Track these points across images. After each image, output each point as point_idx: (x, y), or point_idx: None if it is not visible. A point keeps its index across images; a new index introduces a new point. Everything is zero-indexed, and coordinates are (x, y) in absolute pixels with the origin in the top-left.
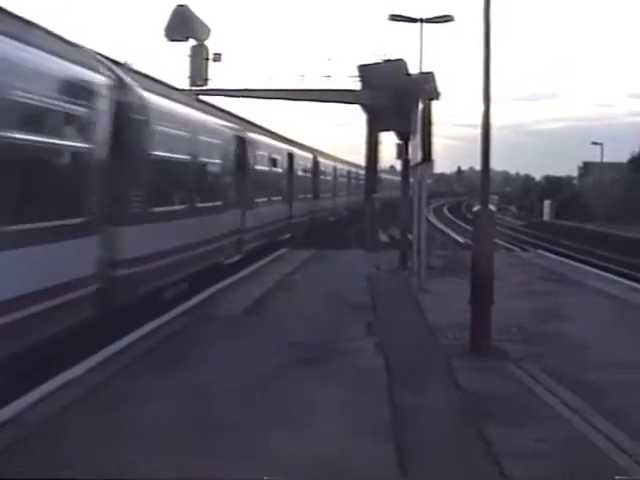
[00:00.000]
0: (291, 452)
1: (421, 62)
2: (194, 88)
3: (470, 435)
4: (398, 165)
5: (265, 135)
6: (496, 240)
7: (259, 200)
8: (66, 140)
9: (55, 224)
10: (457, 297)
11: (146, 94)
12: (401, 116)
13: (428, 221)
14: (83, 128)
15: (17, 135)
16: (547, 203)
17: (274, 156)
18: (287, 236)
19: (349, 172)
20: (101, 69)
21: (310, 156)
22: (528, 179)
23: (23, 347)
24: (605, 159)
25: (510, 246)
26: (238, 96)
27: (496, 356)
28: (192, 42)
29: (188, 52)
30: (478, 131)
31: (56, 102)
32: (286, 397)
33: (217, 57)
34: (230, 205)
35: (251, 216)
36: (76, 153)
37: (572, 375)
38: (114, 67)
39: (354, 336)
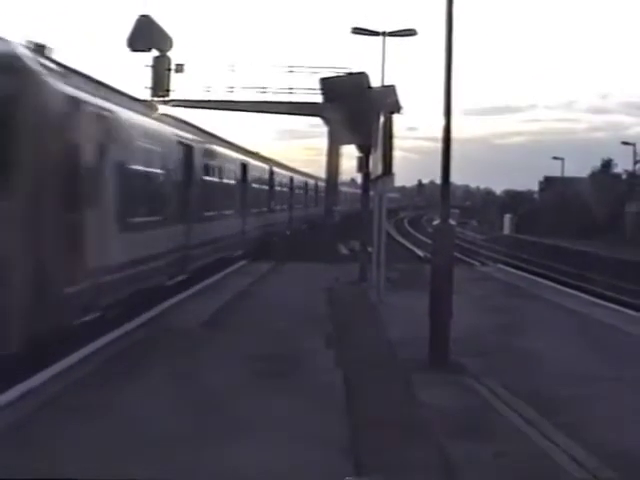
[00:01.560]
0: (250, 465)
1: (383, 75)
2: (155, 99)
3: (429, 448)
4: (359, 178)
5: (217, 144)
6: (456, 254)
7: (208, 214)
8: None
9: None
10: (416, 310)
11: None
12: (362, 129)
13: (388, 234)
14: None
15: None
16: (507, 217)
17: (227, 166)
18: (240, 252)
19: (306, 184)
20: None
21: (266, 167)
22: (489, 193)
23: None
24: (566, 174)
25: (470, 260)
26: (200, 107)
27: (455, 370)
28: (154, 53)
29: (150, 62)
30: (439, 145)
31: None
32: (242, 410)
33: (179, 68)
34: (172, 219)
35: (198, 231)
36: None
37: (530, 389)
38: None
39: (313, 349)
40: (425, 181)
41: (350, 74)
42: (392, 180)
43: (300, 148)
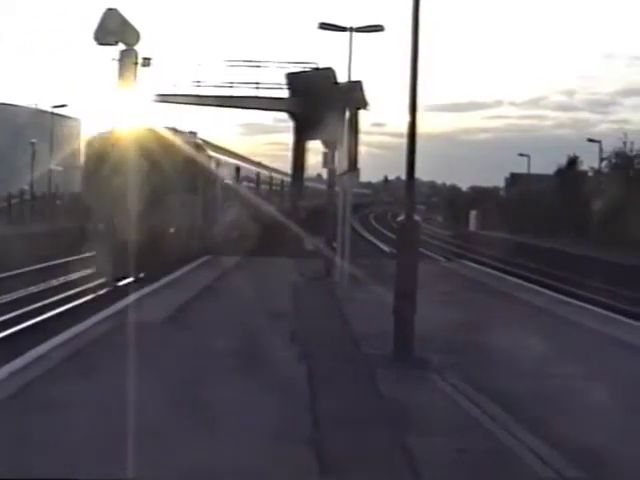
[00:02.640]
0: (212, 459)
1: (350, 71)
2: (126, 93)
3: (392, 444)
4: (325, 173)
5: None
6: (421, 250)
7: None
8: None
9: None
10: (381, 306)
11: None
12: (328, 124)
13: (354, 230)
14: None
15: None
16: (473, 213)
17: (244, 173)
18: None
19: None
20: None
21: (255, 169)
22: (455, 189)
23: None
24: (532, 170)
25: (435, 256)
26: (166, 102)
27: (419, 365)
28: (121, 46)
29: (117, 56)
30: (405, 141)
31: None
32: (206, 405)
33: (146, 62)
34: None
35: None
36: None
37: (494, 385)
38: None
39: (277, 344)
40: (391, 177)
41: (317, 69)
42: (357, 176)
43: (266, 143)
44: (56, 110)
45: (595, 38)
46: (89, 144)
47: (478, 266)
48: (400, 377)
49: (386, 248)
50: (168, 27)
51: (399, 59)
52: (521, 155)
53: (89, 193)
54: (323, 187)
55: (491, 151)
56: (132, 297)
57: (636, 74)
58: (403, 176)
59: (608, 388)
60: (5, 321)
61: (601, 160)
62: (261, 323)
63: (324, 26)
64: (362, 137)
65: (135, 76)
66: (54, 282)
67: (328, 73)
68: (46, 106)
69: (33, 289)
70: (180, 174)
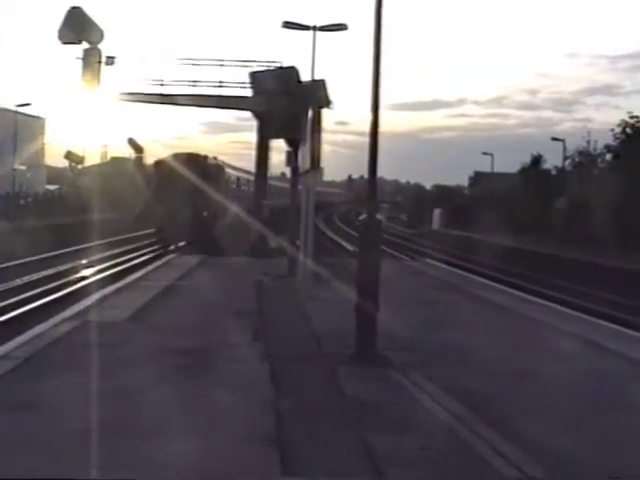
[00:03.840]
0: (173, 458)
1: (313, 70)
2: (89, 92)
3: (354, 442)
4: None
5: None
6: (385, 249)
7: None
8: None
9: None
10: (344, 304)
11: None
12: (291, 123)
13: (318, 228)
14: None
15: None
16: (437, 212)
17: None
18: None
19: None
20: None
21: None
22: (419, 188)
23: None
24: (496, 169)
25: (399, 255)
26: (130, 100)
27: (381, 364)
28: (85, 45)
29: (81, 55)
30: (368, 139)
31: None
32: (169, 403)
33: (110, 60)
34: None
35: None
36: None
37: (457, 383)
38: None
39: (240, 342)
40: (355, 176)
41: (280, 68)
42: (320, 174)
43: (229, 142)
44: (20, 109)
45: (558, 37)
46: (157, 162)
47: (442, 265)
48: (362, 375)
49: (350, 247)
50: (132, 26)
51: (362, 58)
52: (485, 154)
53: (157, 196)
54: (287, 186)
55: (455, 150)
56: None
57: (599, 73)
58: (367, 175)
59: (572, 386)
60: None
61: (565, 159)
62: (224, 321)
63: (288, 25)
64: (326, 136)
65: (99, 75)
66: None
67: (291, 72)
68: (10, 105)
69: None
70: (210, 182)
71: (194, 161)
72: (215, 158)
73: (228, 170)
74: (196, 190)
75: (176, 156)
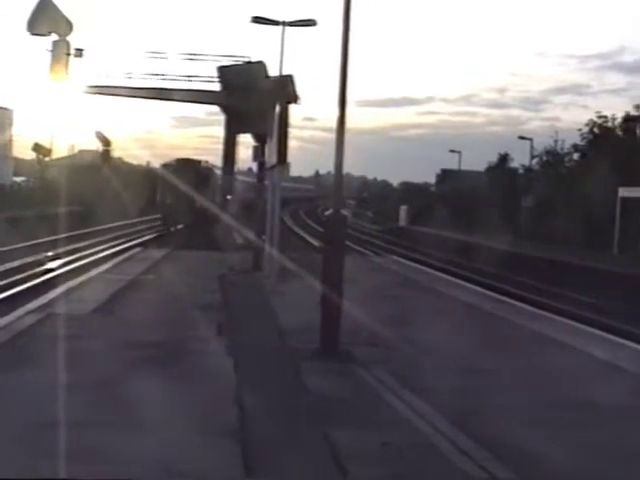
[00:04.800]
0: (136, 452)
1: (281, 65)
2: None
3: (316, 437)
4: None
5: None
6: (351, 245)
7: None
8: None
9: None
10: (309, 299)
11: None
12: (258, 118)
13: (284, 223)
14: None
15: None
16: (403, 209)
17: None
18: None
19: None
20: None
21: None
22: (386, 185)
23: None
24: (463, 167)
25: (365, 251)
26: (98, 93)
27: (345, 359)
28: (54, 37)
29: (49, 47)
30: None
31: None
32: (131, 397)
33: (78, 53)
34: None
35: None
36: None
37: (420, 379)
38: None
39: (204, 337)
40: (322, 171)
41: (248, 63)
42: (287, 169)
43: (198, 136)
44: None
45: (528, 36)
46: (163, 165)
47: (407, 261)
48: (325, 370)
49: (315, 242)
50: (101, 18)
51: (331, 54)
52: (452, 151)
53: (162, 191)
54: (254, 181)
55: (423, 147)
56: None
57: (568, 72)
58: (334, 170)
59: (533, 382)
60: None
61: (532, 158)
62: (188, 316)
63: (257, 20)
64: (294, 131)
65: (67, 67)
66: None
67: (259, 67)
68: None
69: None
70: (202, 180)
71: (190, 164)
72: (207, 162)
73: (217, 171)
74: (191, 187)
75: (177, 160)
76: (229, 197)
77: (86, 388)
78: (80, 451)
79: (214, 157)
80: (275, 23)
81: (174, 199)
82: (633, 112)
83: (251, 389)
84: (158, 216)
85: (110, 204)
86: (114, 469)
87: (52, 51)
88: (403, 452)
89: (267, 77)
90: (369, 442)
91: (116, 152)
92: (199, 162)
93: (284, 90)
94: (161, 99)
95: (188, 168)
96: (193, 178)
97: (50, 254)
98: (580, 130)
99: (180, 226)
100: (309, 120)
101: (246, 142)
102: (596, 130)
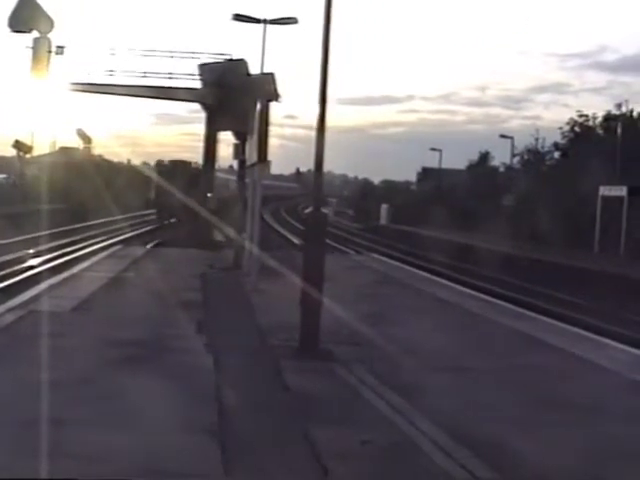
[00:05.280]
0: (115, 449)
1: (262, 63)
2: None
3: (295, 436)
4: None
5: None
6: (332, 243)
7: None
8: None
9: None
10: (289, 298)
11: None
12: (239, 116)
13: (264, 221)
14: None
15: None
16: (384, 207)
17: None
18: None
19: None
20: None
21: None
22: (367, 183)
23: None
24: (444, 165)
25: (346, 249)
26: (80, 91)
27: (325, 358)
28: (35, 34)
29: (30, 44)
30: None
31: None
32: (111, 394)
33: (59, 50)
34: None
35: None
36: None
37: (399, 378)
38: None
39: (184, 334)
40: (303, 169)
41: (229, 61)
42: (268, 167)
43: (179, 133)
44: None
45: (508, 34)
46: (158, 163)
47: (388, 259)
48: (305, 369)
49: (296, 240)
50: (82, 15)
51: (312, 52)
52: (433, 150)
53: (158, 187)
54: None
55: (404, 145)
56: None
57: (549, 71)
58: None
59: (513, 381)
60: None
61: (513, 156)
62: (168, 313)
63: (238, 18)
64: (275, 129)
65: (48, 64)
66: None
67: (240, 65)
68: None
69: None
70: (191, 178)
71: (182, 165)
72: (197, 163)
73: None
74: (183, 186)
75: (171, 162)
76: (209, 195)
77: (65, 386)
78: (57, 449)
79: (195, 155)
80: (256, 21)
81: (167, 197)
82: (614, 111)
83: (231, 387)
84: (147, 212)
85: (94, 202)
86: (95, 465)
87: (33, 48)
88: (383, 449)
89: (248, 75)
90: (349, 441)
91: (97, 149)
92: (190, 163)
93: (265, 88)
94: (142, 96)
95: (180, 169)
96: (184, 178)
97: (31, 251)
98: (561, 129)
99: (172, 220)
100: (290, 118)
101: (227, 140)
102: (577, 129)
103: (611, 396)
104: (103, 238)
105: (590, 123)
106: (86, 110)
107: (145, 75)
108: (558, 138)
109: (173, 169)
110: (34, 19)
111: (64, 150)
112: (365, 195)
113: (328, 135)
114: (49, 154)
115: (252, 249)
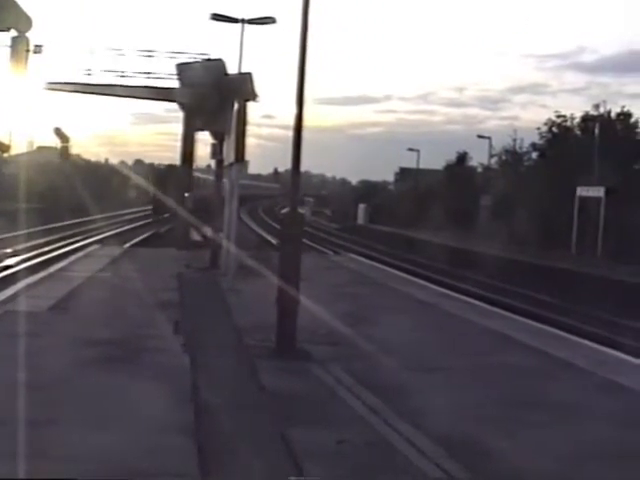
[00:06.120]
0: (92, 449)
1: (240, 63)
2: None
3: (272, 435)
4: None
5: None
6: (309, 243)
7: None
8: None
9: None
10: (266, 298)
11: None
12: (217, 116)
13: (242, 221)
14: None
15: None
16: (362, 207)
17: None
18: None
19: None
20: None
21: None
22: (344, 183)
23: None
24: (421, 165)
25: (323, 249)
26: (57, 90)
27: (301, 357)
28: (13, 32)
29: (8, 42)
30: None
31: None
32: (88, 394)
33: (38, 49)
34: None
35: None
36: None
37: (375, 378)
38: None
39: (161, 334)
40: (281, 169)
41: (207, 60)
42: (245, 167)
43: (156, 133)
44: None
45: (486, 35)
46: (153, 167)
47: (364, 259)
48: (282, 368)
49: (273, 240)
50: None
51: (290, 51)
52: (411, 150)
53: (154, 190)
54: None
55: (381, 145)
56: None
57: (527, 71)
58: None
59: (487, 380)
60: None
61: (491, 156)
62: (145, 313)
63: (216, 17)
64: (253, 129)
65: (26, 63)
66: None
67: (218, 64)
68: None
69: None
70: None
71: (176, 169)
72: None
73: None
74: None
75: (167, 166)
76: (187, 194)
77: (40, 386)
78: (30, 449)
79: (173, 154)
80: (234, 21)
81: (161, 195)
82: (592, 112)
83: (207, 387)
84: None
85: (71, 201)
86: (71, 466)
87: (11, 47)
88: (358, 449)
89: (226, 74)
90: (325, 440)
91: (75, 149)
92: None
93: (243, 88)
94: (120, 96)
95: (173, 172)
96: (176, 180)
97: (8, 251)
98: (539, 129)
99: (166, 215)
100: (268, 118)
101: (205, 139)
102: (555, 129)
103: (586, 396)
104: (80, 238)
105: (568, 124)
106: (64, 109)
107: (123, 75)
108: (536, 139)
109: (167, 172)
110: (12, 18)
111: (42, 149)
112: (343, 195)
113: (306, 135)
114: (27, 153)
115: (229, 249)
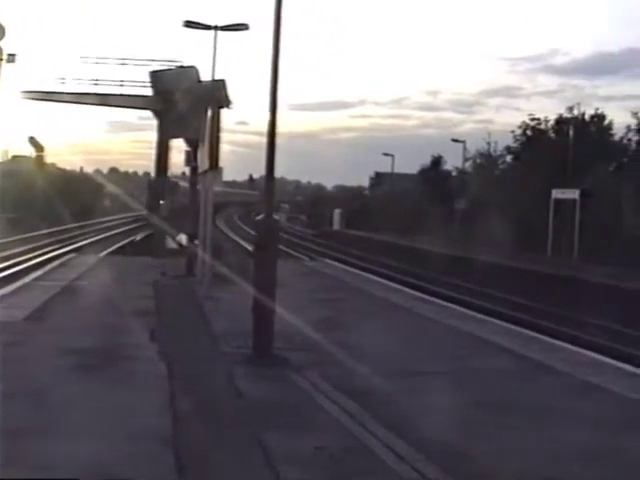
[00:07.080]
0: (69, 458)
1: (214, 70)
2: None
3: (249, 442)
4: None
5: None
6: (285, 249)
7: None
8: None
9: None
10: (242, 305)
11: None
12: (190, 123)
13: (217, 228)
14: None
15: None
16: (337, 212)
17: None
18: None
19: None
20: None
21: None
22: (320, 188)
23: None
24: (396, 170)
25: (299, 255)
26: (31, 99)
27: (278, 364)
28: None
29: None
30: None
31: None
32: (65, 402)
33: (11, 58)
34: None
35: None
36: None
37: (353, 383)
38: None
39: (137, 342)
40: (256, 176)
41: (180, 68)
42: (220, 174)
43: (131, 141)
44: None
45: (459, 39)
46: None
47: (340, 265)
48: (259, 375)
49: (250, 247)
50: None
51: (263, 58)
52: (385, 154)
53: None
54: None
55: (356, 150)
56: None
57: (500, 75)
58: None
59: (464, 384)
60: None
61: (465, 160)
62: (121, 322)
63: (189, 24)
64: (226, 136)
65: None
66: None
67: (191, 71)
68: None
69: None
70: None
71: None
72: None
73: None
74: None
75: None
76: (162, 202)
77: (16, 395)
78: (6, 458)
79: (147, 162)
80: (207, 27)
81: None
82: (565, 114)
83: (184, 395)
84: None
85: (46, 210)
86: (47, 474)
87: None
88: (336, 455)
89: (199, 82)
90: (302, 446)
91: (50, 158)
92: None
93: (216, 94)
94: (93, 104)
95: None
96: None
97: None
98: (513, 132)
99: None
100: (242, 124)
101: (179, 147)
102: (529, 132)
103: (563, 398)
104: (56, 247)
105: (542, 126)
106: (39, 118)
107: (96, 83)
108: (510, 141)
109: (157, 182)
110: None
111: (17, 158)
112: (318, 200)
113: (280, 141)
114: (1, 162)
115: (204, 256)
